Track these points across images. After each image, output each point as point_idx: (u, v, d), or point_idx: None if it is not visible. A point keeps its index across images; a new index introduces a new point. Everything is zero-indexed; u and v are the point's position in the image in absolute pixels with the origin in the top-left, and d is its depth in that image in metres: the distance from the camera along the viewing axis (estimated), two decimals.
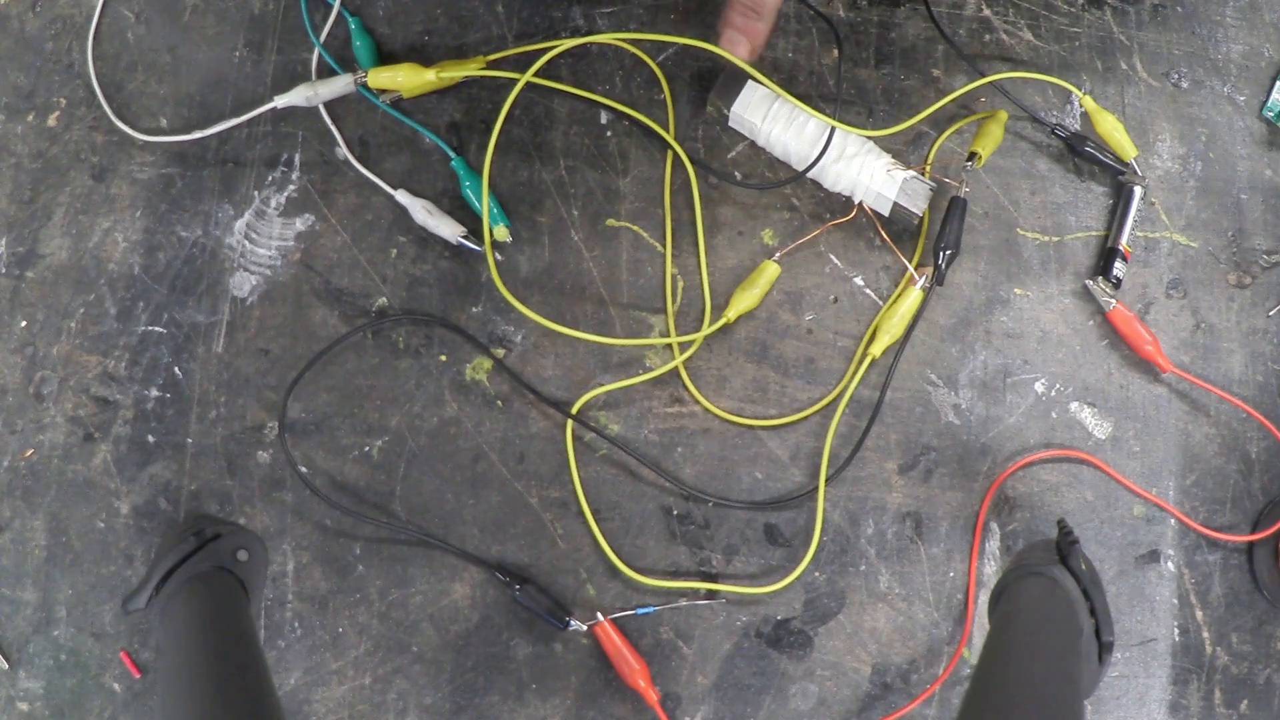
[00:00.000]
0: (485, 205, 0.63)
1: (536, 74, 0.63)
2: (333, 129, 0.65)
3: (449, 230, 0.63)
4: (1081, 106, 0.64)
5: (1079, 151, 0.64)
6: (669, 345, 0.64)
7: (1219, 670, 0.63)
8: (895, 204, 0.61)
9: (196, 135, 0.64)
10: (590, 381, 0.64)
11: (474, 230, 0.64)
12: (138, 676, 0.62)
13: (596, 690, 0.62)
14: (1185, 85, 0.66)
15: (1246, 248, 0.65)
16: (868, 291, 0.64)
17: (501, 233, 0.63)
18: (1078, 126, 0.65)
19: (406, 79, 0.63)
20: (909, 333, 0.63)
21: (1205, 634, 0.63)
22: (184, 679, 0.50)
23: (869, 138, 0.62)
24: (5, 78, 0.66)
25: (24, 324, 0.65)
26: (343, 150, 0.65)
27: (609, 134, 0.65)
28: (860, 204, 0.63)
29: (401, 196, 0.63)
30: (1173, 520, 0.63)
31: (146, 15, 0.67)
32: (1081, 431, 0.64)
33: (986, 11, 0.67)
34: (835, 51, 0.66)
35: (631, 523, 0.63)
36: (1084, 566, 0.55)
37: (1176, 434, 0.64)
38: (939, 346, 0.64)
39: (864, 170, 0.61)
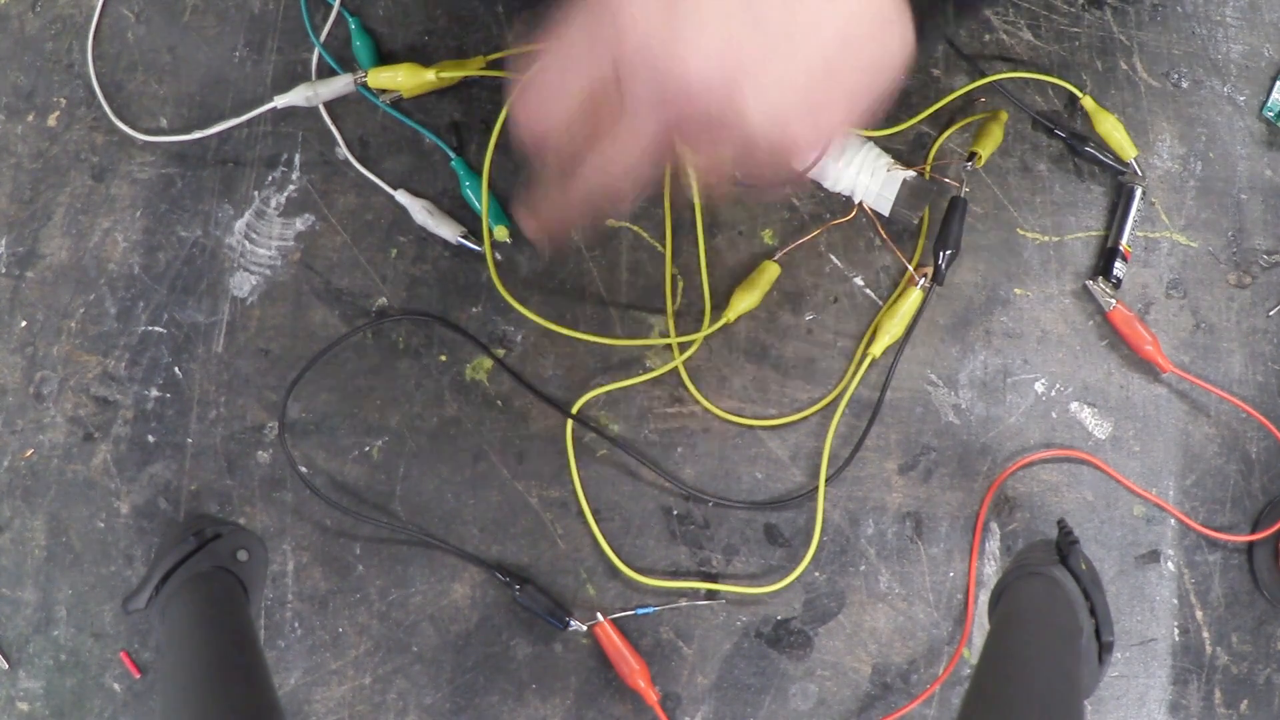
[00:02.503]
0: (485, 205, 0.63)
1: None
2: (333, 129, 0.65)
3: (449, 230, 0.63)
4: (1082, 106, 0.64)
5: (1079, 151, 0.64)
6: (669, 345, 0.63)
7: (1219, 670, 0.63)
8: (895, 204, 0.61)
9: (196, 135, 0.64)
10: (590, 381, 0.64)
11: (474, 230, 0.64)
12: (138, 676, 0.62)
13: (596, 690, 0.62)
14: (1185, 85, 0.66)
15: (1246, 248, 0.65)
16: (868, 291, 0.64)
17: (501, 233, 0.63)
18: (1078, 126, 0.65)
19: (406, 79, 0.63)
20: (909, 333, 0.63)
21: (1205, 634, 0.63)
22: (184, 679, 0.50)
23: (869, 138, 0.62)
24: (5, 78, 0.66)
25: (24, 324, 0.65)
26: (343, 150, 0.65)
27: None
28: (860, 204, 0.63)
29: (401, 196, 0.63)
30: (1173, 520, 0.63)
31: (146, 15, 0.67)
32: (1081, 431, 0.64)
33: (986, 11, 0.66)
34: None
35: (631, 523, 0.63)
36: (1084, 566, 0.55)
37: (1176, 434, 0.64)
38: (939, 346, 0.64)
39: (864, 170, 0.61)
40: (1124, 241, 0.64)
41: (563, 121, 0.40)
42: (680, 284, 0.64)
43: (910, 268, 0.63)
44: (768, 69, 0.37)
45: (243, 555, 0.59)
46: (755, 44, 0.36)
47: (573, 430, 0.63)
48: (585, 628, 0.62)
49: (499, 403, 0.64)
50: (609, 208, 0.42)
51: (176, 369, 0.64)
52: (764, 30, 0.36)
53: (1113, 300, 0.63)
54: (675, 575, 0.63)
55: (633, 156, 0.40)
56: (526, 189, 0.46)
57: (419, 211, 0.63)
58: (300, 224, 0.65)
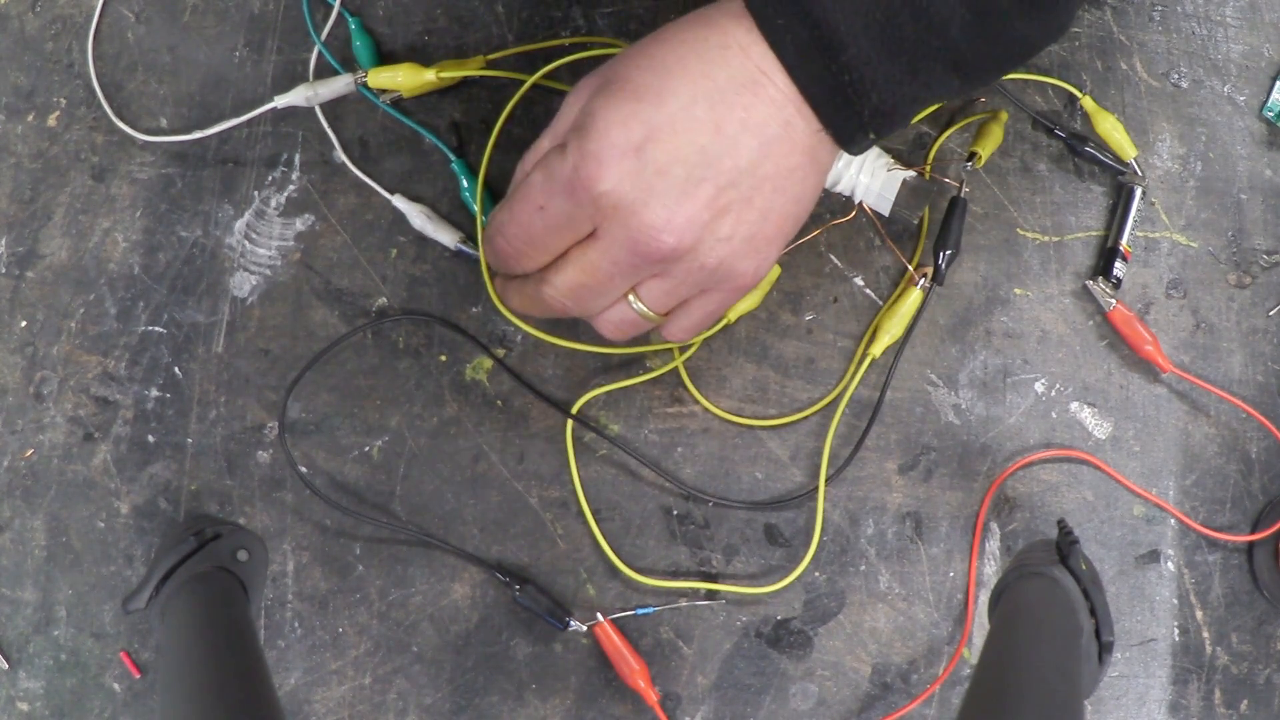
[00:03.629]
0: (479, 211, 0.63)
1: (535, 73, 0.63)
2: (329, 132, 0.65)
3: (447, 236, 0.63)
4: (1082, 106, 0.64)
5: (1079, 151, 0.64)
6: (669, 346, 0.63)
7: (1219, 670, 0.63)
8: (895, 204, 0.61)
9: (197, 135, 0.64)
10: (590, 381, 0.64)
11: (473, 235, 0.64)
12: (138, 676, 0.62)
13: (596, 690, 0.62)
14: (1185, 85, 0.66)
15: (1246, 248, 0.65)
16: (868, 291, 0.64)
17: None
18: (1078, 126, 0.65)
19: (406, 79, 0.63)
20: (909, 333, 0.63)
21: (1205, 634, 0.63)
22: (184, 679, 0.50)
23: None
24: (5, 78, 0.66)
25: (24, 324, 0.65)
26: (340, 154, 0.65)
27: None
28: (860, 204, 0.63)
29: (399, 202, 0.63)
30: (1173, 520, 0.63)
31: (146, 15, 0.67)
32: (1081, 431, 0.64)
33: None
34: None
35: (631, 523, 0.63)
36: (1084, 566, 0.55)
37: (1176, 434, 0.64)
38: (939, 346, 0.64)
39: (864, 170, 0.61)
40: (1124, 241, 0.64)
41: (533, 248, 0.48)
42: None
43: (910, 268, 0.63)
44: (720, 226, 0.45)
45: (243, 555, 0.59)
46: (712, 209, 0.44)
47: (573, 430, 0.63)
48: (585, 628, 0.62)
49: (499, 403, 0.64)
50: (563, 313, 0.51)
51: (176, 369, 0.64)
52: (719, 197, 0.44)
53: (1113, 300, 0.63)
54: (675, 575, 0.63)
55: (588, 283, 0.47)
56: (501, 281, 0.54)
57: (417, 217, 0.63)
58: (300, 224, 0.65)
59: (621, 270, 0.46)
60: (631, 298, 0.48)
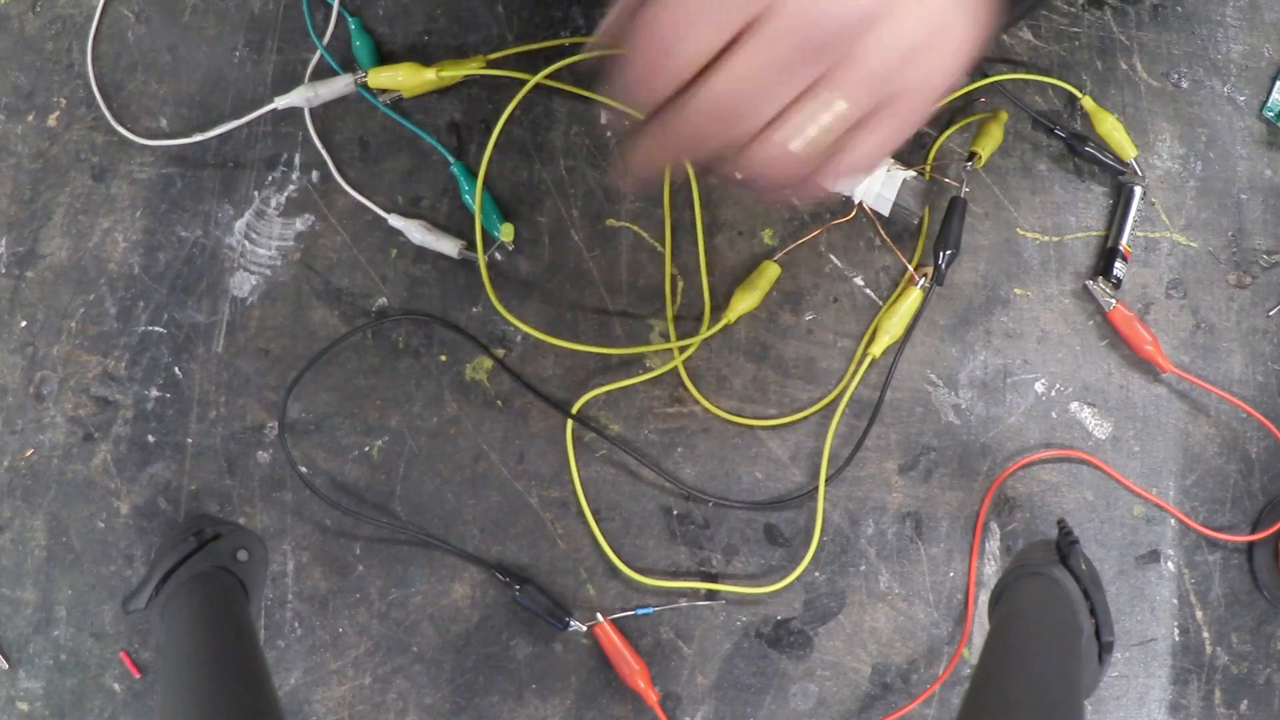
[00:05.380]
0: (478, 212, 0.63)
1: (535, 73, 0.63)
2: (322, 150, 0.65)
3: (449, 246, 0.63)
4: (1082, 106, 0.64)
5: (1079, 151, 0.64)
6: (669, 346, 0.63)
7: (1219, 670, 0.63)
8: (895, 204, 0.61)
9: (197, 138, 0.64)
10: (590, 381, 0.64)
11: (473, 237, 0.64)
12: (138, 676, 0.62)
13: (596, 690, 0.62)
14: (1185, 85, 0.66)
15: (1246, 248, 0.65)
16: (868, 291, 0.64)
17: (507, 232, 0.63)
18: (1078, 126, 0.65)
19: (406, 78, 0.63)
20: (909, 333, 0.63)
21: (1205, 634, 0.63)
22: (184, 679, 0.50)
23: None
24: (5, 78, 0.66)
25: (24, 324, 0.65)
26: (336, 176, 0.64)
27: (609, 134, 0.65)
28: (860, 204, 0.63)
29: (395, 221, 0.63)
30: (1173, 520, 0.63)
31: (146, 15, 0.67)
32: (1081, 431, 0.64)
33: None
34: None
35: (631, 523, 0.63)
36: (1084, 566, 0.55)
37: (1176, 434, 0.64)
38: (939, 346, 0.64)
39: None
40: (1124, 241, 0.64)
41: (687, 32, 0.38)
42: (680, 284, 0.64)
43: (910, 268, 0.63)
44: (899, 18, 0.37)
45: (243, 555, 0.59)
46: None
47: (573, 430, 0.63)
48: (585, 628, 0.62)
49: (499, 403, 0.64)
50: (711, 140, 0.40)
51: (176, 369, 0.64)
52: None
53: (1113, 300, 0.63)
54: (675, 575, 0.63)
55: (754, 78, 0.38)
56: (632, 125, 0.44)
57: (415, 232, 0.63)
58: (300, 224, 0.65)
59: (788, 61, 0.38)
60: (799, 111, 0.39)
